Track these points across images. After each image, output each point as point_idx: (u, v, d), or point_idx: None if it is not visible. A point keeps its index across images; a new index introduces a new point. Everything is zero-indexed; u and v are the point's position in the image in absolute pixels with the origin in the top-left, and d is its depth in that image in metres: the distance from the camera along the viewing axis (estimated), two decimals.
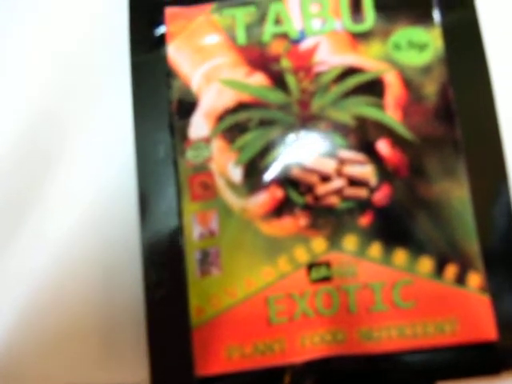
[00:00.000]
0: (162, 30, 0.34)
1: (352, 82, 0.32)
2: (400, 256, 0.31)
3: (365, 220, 0.31)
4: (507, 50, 0.34)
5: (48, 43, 0.36)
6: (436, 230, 0.31)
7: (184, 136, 0.32)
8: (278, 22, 0.34)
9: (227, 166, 0.32)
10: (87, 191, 0.35)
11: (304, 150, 0.32)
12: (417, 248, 0.31)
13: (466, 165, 0.31)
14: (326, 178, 0.31)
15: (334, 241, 0.31)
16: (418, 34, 0.33)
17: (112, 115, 0.35)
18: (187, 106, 0.33)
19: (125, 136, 0.34)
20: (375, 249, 0.31)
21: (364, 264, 0.31)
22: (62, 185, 0.35)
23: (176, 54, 0.33)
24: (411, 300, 0.30)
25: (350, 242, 0.31)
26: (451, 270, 0.30)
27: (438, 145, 0.32)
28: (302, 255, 0.31)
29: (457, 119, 0.32)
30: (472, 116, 0.32)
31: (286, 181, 0.31)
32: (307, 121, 0.32)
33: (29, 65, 0.36)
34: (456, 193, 0.31)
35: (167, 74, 0.33)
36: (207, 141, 0.32)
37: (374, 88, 0.32)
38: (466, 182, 0.31)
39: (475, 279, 0.30)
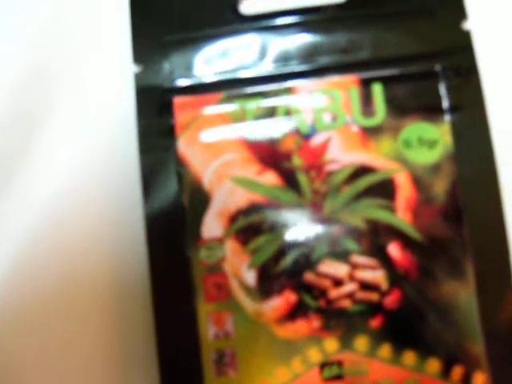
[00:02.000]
0: (170, 120, 0.34)
1: (363, 182, 0.33)
2: (409, 356, 0.32)
3: (376, 322, 0.32)
4: None
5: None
6: (444, 332, 0.32)
7: (197, 234, 0.33)
8: (288, 114, 0.33)
9: (241, 269, 0.32)
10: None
11: (317, 255, 0.32)
12: (425, 349, 0.32)
13: (472, 265, 0.32)
14: (338, 283, 0.32)
15: (345, 341, 0.32)
16: (427, 130, 0.33)
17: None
18: (199, 203, 0.33)
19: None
20: (385, 349, 0.32)
21: (375, 363, 0.32)
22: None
23: (186, 147, 0.33)
24: None
25: (361, 342, 0.32)
26: (458, 371, 0.32)
27: (446, 245, 0.32)
28: (314, 355, 0.32)
29: (465, 219, 0.32)
30: (479, 216, 0.33)
31: (300, 285, 0.32)
32: (320, 224, 0.32)
33: None
34: (463, 293, 0.32)
35: (178, 168, 0.33)
36: (220, 241, 0.33)
37: (385, 189, 0.33)
38: (472, 282, 0.32)
39: (480, 379, 0.32)
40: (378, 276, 0.32)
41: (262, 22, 0.35)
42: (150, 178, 0.34)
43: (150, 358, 0.33)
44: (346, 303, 0.32)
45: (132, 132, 0.34)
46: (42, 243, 0.35)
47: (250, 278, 0.32)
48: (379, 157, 0.33)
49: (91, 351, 0.34)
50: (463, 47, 0.34)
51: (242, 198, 0.33)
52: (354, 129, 0.33)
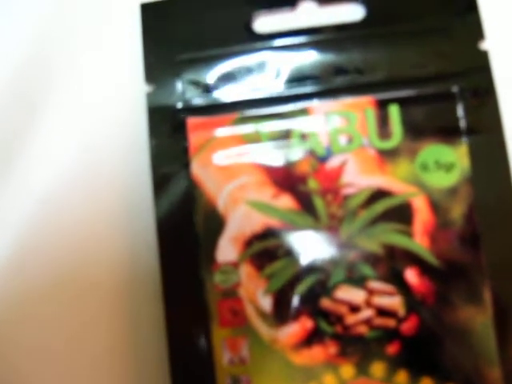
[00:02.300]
0: (184, 141, 0.33)
1: (380, 206, 0.32)
2: (426, 383, 0.32)
3: (392, 349, 0.32)
4: None
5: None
6: (461, 357, 0.32)
7: (211, 258, 0.32)
8: (303, 136, 0.33)
9: (256, 294, 0.32)
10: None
11: (333, 281, 0.32)
12: (442, 375, 0.32)
13: (490, 290, 0.32)
14: (355, 309, 0.32)
15: (362, 367, 0.32)
16: (445, 152, 0.33)
17: None
18: (214, 226, 0.33)
19: None
20: (402, 376, 0.32)
21: None
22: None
23: (200, 169, 0.33)
24: None
25: (378, 368, 0.32)
26: None
27: (463, 270, 0.32)
28: (330, 382, 0.32)
29: (482, 243, 0.32)
30: (496, 241, 0.32)
31: (316, 311, 0.32)
32: (336, 249, 0.32)
33: None
34: (480, 319, 0.32)
35: (191, 190, 0.33)
36: (235, 265, 0.32)
37: (402, 213, 0.32)
38: (489, 307, 0.32)
39: None
40: (394, 302, 0.32)
41: (276, 41, 0.35)
42: (163, 200, 0.33)
43: (164, 383, 0.33)
44: (363, 329, 0.32)
45: (144, 153, 0.34)
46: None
47: (266, 303, 0.32)
48: (396, 180, 0.32)
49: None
50: (481, 68, 0.34)
51: (257, 222, 0.32)
52: (371, 151, 0.33)
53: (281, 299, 0.32)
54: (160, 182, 0.33)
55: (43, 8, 0.37)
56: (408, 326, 0.32)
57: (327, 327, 0.32)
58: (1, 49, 0.36)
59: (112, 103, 0.35)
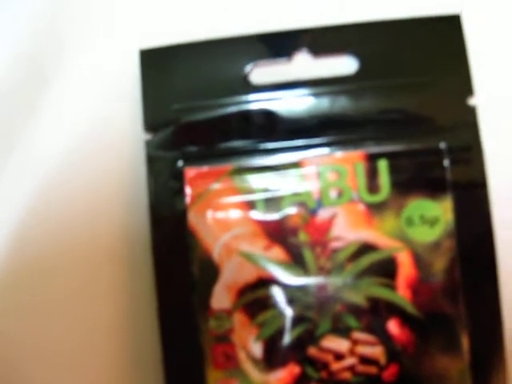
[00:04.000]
0: (181, 191, 0.35)
1: (366, 260, 0.34)
2: None
3: None
4: None
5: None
6: None
7: (206, 304, 0.35)
8: (295, 189, 0.35)
9: (248, 341, 0.34)
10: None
11: (320, 331, 0.34)
12: None
13: (468, 340, 0.34)
14: (339, 357, 0.34)
15: None
16: (430, 207, 0.35)
17: None
18: (209, 274, 0.35)
19: None
20: None
21: None
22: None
23: (196, 219, 0.35)
24: None
25: None
26: None
27: (442, 321, 0.34)
28: None
29: (461, 295, 0.34)
30: (476, 292, 0.34)
31: (304, 358, 0.34)
32: (324, 302, 0.34)
33: None
34: (457, 365, 0.34)
35: (188, 239, 0.35)
36: (229, 313, 0.34)
37: (386, 267, 0.34)
38: (467, 356, 0.34)
39: None
40: (376, 351, 0.34)
41: (271, 93, 0.36)
42: (160, 246, 0.35)
43: None
44: (347, 375, 0.34)
45: (143, 197, 0.35)
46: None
47: (257, 349, 0.34)
48: (382, 235, 0.34)
49: None
50: (468, 123, 0.35)
51: (249, 272, 0.34)
52: (359, 205, 0.35)
53: (271, 346, 0.34)
54: (158, 229, 0.35)
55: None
56: (389, 374, 0.34)
57: (313, 373, 0.34)
58: None
59: (111, 150, 0.36)
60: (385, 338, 0.34)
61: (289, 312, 0.34)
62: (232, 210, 0.35)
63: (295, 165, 0.35)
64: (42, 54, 0.38)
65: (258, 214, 0.35)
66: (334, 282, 0.34)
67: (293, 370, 0.34)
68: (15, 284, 0.37)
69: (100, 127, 0.37)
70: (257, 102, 0.36)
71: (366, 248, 0.34)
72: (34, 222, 0.37)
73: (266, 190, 0.35)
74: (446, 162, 0.35)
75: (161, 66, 0.36)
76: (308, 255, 0.34)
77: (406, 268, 0.34)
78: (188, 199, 0.35)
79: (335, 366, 0.34)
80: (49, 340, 0.37)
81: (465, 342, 0.34)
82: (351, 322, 0.34)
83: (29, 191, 0.37)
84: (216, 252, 0.34)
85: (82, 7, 0.38)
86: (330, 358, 0.34)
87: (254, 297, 0.34)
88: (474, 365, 0.34)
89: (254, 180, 0.35)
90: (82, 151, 0.37)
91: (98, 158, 0.37)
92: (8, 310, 0.37)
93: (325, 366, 0.34)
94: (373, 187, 0.35)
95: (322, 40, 0.36)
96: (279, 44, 0.36)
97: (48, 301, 0.37)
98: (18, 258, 0.37)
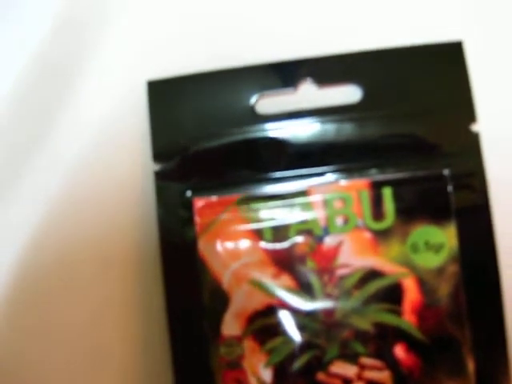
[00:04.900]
0: (191, 220, 0.36)
1: (373, 287, 0.35)
2: None
3: None
4: None
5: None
6: None
7: (217, 331, 0.36)
8: (303, 217, 0.36)
9: (258, 367, 0.35)
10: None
11: (328, 357, 0.35)
12: None
13: (473, 364, 0.35)
14: (348, 382, 0.35)
15: None
16: (434, 234, 0.35)
17: None
18: (219, 302, 0.36)
19: None
20: None
21: None
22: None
23: (205, 248, 0.36)
24: None
25: None
26: None
27: (448, 345, 0.35)
28: None
29: (466, 319, 0.35)
30: (481, 316, 0.35)
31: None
32: (331, 328, 0.35)
33: None
34: None
35: (198, 267, 0.36)
36: (239, 339, 0.35)
37: (392, 293, 0.35)
38: (472, 377, 0.35)
39: None
40: (384, 376, 0.35)
41: (278, 123, 0.36)
42: (171, 275, 0.36)
43: None
44: None
45: (154, 228, 0.36)
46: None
47: (267, 375, 0.35)
48: (388, 261, 0.35)
49: None
50: (471, 150, 0.36)
51: (259, 300, 0.35)
52: (365, 232, 0.35)
53: (280, 372, 0.35)
54: (168, 258, 0.36)
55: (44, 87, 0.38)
56: None
57: None
58: None
59: (122, 180, 0.37)
60: (392, 363, 0.35)
61: (297, 338, 0.35)
62: (240, 239, 0.36)
63: (302, 193, 0.36)
64: (49, 87, 0.38)
65: (266, 243, 0.35)
66: (342, 308, 0.35)
67: None
68: (25, 303, 0.38)
69: (111, 158, 0.38)
70: (263, 132, 0.36)
71: (372, 274, 0.35)
72: (47, 248, 0.38)
73: (273, 219, 0.36)
74: (450, 189, 0.35)
75: (168, 97, 0.37)
76: (315, 282, 0.35)
77: (411, 293, 0.35)
78: (197, 228, 0.36)
79: None
80: (56, 364, 0.37)
81: (470, 366, 0.35)
82: (358, 347, 0.35)
83: (41, 219, 0.38)
84: (226, 280, 0.35)
85: (91, 39, 0.38)
86: (338, 383, 0.35)
87: (264, 324, 0.35)
88: None
89: (262, 209, 0.36)
90: (94, 182, 0.38)
91: (110, 189, 0.38)
92: (18, 329, 0.38)
93: None
94: (378, 214, 0.35)
95: (326, 69, 0.37)
96: (284, 74, 0.37)
97: (58, 324, 0.38)
98: (27, 282, 0.38)
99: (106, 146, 0.38)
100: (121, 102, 0.38)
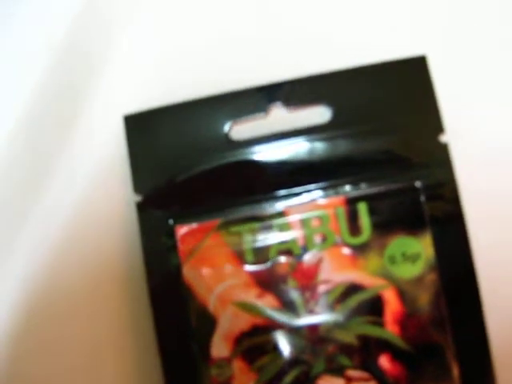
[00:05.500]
0: (174, 248, 0.37)
1: (354, 300, 0.36)
2: None
3: None
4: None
5: None
6: None
7: (207, 354, 0.37)
8: (281, 238, 0.37)
9: None
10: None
11: (315, 372, 0.36)
12: None
13: (458, 368, 0.36)
14: None
15: None
16: (410, 245, 0.36)
17: None
18: (206, 326, 0.37)
19: None
20: None
21: None
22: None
23: (190, 274, 0.37)
24: None
25: None
26: None
27: (432, 352, 0.36)
28: None
29: (448, 326, 0.36)
30: (462, 322, 0.36)
31: None
32: (316, 344, 0.36)
33: None
34: None
35: (184, 292, 0.37)
36: (228, 360, 0.36)
37: (374, 306, 0.36)
38: (458, 382, 0.36)
39: None
40: None
41: (252, 148, 0.37)
42: (158, 301, 0.37)
43: None
44: None
45: (139, 258, 0.37)
46: None
47: None
48: (367, 274, 0.36)
49: None
50: (441, 160, 0.37)
51: (244, 321, 0.36)
52: (343, 248, 0.36)
53: None
54: (154, 284, 0.37)
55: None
56: None
57: None
58: None
59: (105, 213, 0.39)
60: (377, 374, 0.36)
61: (284, 356, 0.36)
62: (223, 263, 0.37)
63: (280, 214, 0.37)
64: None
65: (248, 265, 0.36)
66: (325, 323, 0.36)
67: None
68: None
69: (94, 192, 0.39)
70: (239, 157, 0.38)
71: (352, 288, 0.36)
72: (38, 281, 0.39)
73: (253, 241, 0.37)
74: (423, 200, 0.36)
75: (145, 130, 0.38)
76: (298, 300, 0.36)
77: (392, 304, 0.36)
78: (181, 255, 0.37)
79: None
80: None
81: (455, 370, 0.36)
82: (344, 360, 0.36)
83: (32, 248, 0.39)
84: (211, 303, 0.36)
85: (66, 79, 0.40)
86: None
87: (251, 344, 0.36)
88: None
89: (242, 232, 0.37)
90: (79, 217, 0.39)
91: (94, 224, 0.39)
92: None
93: None
94: (354, 230, 0.36)
95: (294, 92, 0.38)
96: (255, 99, 0.38)
97: (53, 353, 0.39)
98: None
99: (90, 181, 0.39)
100: (100, 137, 0.39)
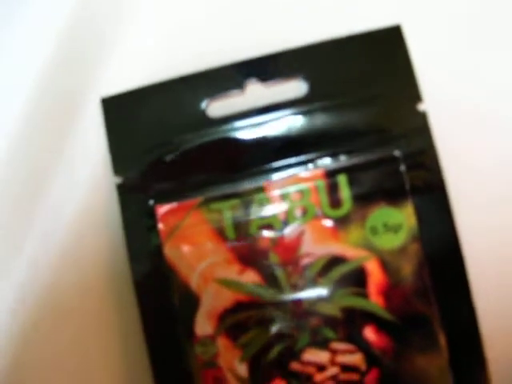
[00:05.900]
0: (155, 227, 0.37)
1: (336, 273, 0.36)
2: None
3: None
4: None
5: None
6: None
7: (191, 332, 0.36)
8: (262, 212, 0.37)
9: (234, 363, 0.36)
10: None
11: (300, 345, 0.36)
12: None
13: (444, 337, 0.35)
14: (321, 368, 0.36)
15: None
16: (392, 215, 0.36)
17: None
18: (189, 304, 0.37)
19: None
20: None
21: None
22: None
23: (171, 253, 0.37)
24: None
25: None
26: None
27: (417, 322, 0.36)
28: None
29: (432, 295, 0.36)
30: (446, 291, 0.36)
31: (287, 373, 0.36)
32: (300, 318, 0.36)
33: None
34: (436, 362, 0.36)
35: (167, 272, 0.37)
36: (212, 338, 0.36)
37: (357, 277, 0.36)
38: (445, 352, 0.36)
39: None
40: (356, 359, 0.35)
41: (230, 125, 0.37)
42: (141, 282, 0.37)
43: None
44: None
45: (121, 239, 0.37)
46: None
47: (243, 370, 0.36)
48: (349, 246, 0.36)
49: None
50: (420, 129, 0.36)
51: (227, 298, 0.36)
52: (324, 221, 0.36)
53: (255, 365, 0.36)
54: (137, 266, 0.37)
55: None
56: (370, 378, 0.35)
57: None
58: None
59: (87, 196, 0.39)
60: (363, 345, 0.35)
61: (268, 331, 0.36)
62: (204, 241, 0.36)
63: (260, 189, 0.37)
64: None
65: (228, 241, 0.36)
66: (308, 296, 0.36)
67: None
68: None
69: (75, 176, 0.39)
70: (217, 135, 0.37)
71: (334, 261, 0.36)
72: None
73: (234, 217, 0.36)
74: (403, 169, 0.36)
75: (122, 111, 0.38)
76: (280, 275, 0.36)
77: (375, 276, 0.35)
78: (162, 235, 0.37)
79: (318, 377, 0.36)
80: None
81: (442, 340, 0.35)
82: (328, 333, 0.35)
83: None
84: (194, 282, 0.36)
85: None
86: (312, 370, 0.36)
87: (234, 320, 0.36)
88: (453, 361, 0.35)
89: (222, 209, 0.37)
90: (63, 203, 0.39)
91: (77, 208, 0.39)
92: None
93: (309, 378, 0.36)
94: (335, 202, 0.36)
95: (270, 67, 0.38)
96: (230, 76, 0.38)
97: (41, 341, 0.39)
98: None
99: (71, 165, 0.39)
100: (79, 120, 0.39)
